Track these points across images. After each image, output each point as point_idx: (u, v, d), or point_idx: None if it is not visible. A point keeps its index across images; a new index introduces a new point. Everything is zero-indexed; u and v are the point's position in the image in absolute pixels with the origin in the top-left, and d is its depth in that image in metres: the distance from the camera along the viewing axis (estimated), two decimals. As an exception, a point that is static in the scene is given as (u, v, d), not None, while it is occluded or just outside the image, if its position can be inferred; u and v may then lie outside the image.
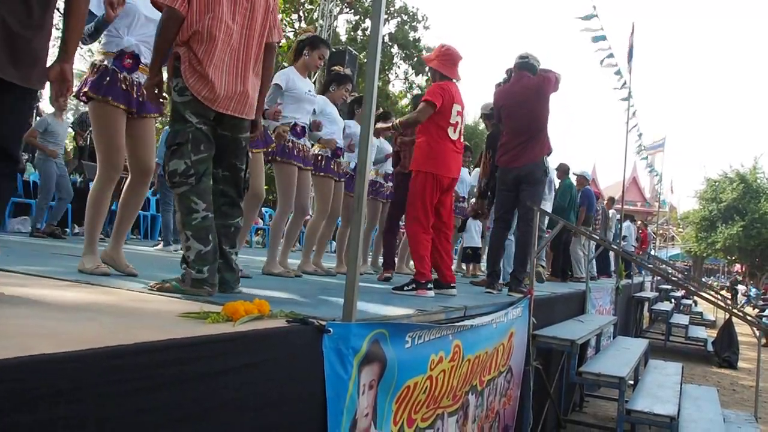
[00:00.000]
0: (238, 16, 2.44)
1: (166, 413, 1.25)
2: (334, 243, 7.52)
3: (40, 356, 1.05)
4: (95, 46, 2.98)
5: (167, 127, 6.42)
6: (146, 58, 2.94)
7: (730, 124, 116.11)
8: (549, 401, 4.71)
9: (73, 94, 2.70)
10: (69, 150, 7.73)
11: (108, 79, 2.80)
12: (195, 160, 2.34)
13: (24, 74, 1.81)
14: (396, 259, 6.01)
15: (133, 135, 2.93)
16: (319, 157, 4.42)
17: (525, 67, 4.62)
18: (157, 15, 2.96)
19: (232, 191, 2.56)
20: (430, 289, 3.51)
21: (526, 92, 4.52)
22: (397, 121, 3.97)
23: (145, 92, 2.89)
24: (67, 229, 7.20)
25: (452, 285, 3.74)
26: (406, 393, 2.20)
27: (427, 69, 4.10)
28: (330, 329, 1.77)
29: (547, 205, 6.88)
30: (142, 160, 2.94)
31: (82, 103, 3.00)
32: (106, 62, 2.84)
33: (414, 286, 3.51)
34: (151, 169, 3.02)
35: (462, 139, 3.89)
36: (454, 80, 3.85)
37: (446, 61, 3.81)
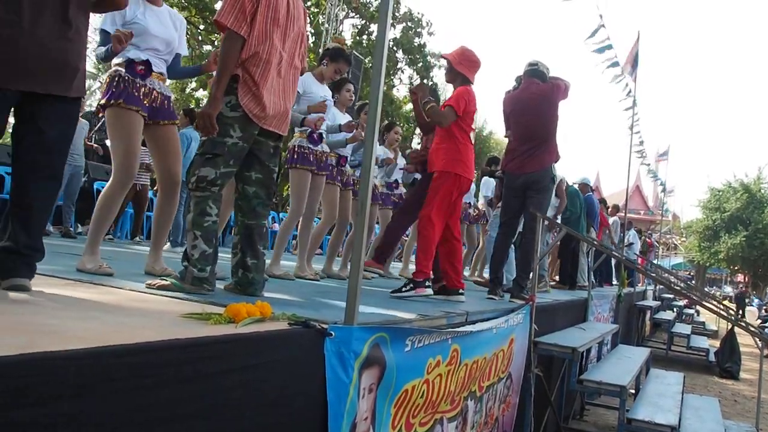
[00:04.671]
0: (285, 42, 2.65)
1: (167, 413, 1.25)
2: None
3: (43, 354, 1.05)
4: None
5: (184, 130, 6.39)
6: (158, 67, 3.01)
7: (734, 133, 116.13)
8: (549, 409, 4.69)
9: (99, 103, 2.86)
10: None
11: (122, 85, 2.86)
12: (223, 172, 2.52)
13: (65, 85, 2.01)
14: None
15: (156, 144, 2.99)
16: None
17: (534, 74, 4.62)
18: (167, 34, 3.01)
19: (264, 193, 2.71)
20: (428, 287, 3.51)
21: (535, 99, 4.52)
22: (429, 107, 3.80)
23: (160, 102, 2.97)
24: (71, 229, 7.21)
25: (461, 291, 3.72)
26: (404, 397, 2.20)
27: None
28: (332, 332, 1.77)
29: (551, 210, 6.88)
30: (169, 170, 2.99)
31: (87, 104, 3.04)
32: (119, 71, 2.90)
33: (411, 285, 3.50)
34: (179, 179, 3.06)
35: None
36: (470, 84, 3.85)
37: (470, 66, 3.82)
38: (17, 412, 0.97)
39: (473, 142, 3.84)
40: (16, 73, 1.89)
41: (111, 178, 2.87)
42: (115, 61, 2.95)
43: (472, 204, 7.11)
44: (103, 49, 2.88)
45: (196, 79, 20.29)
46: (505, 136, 5.76)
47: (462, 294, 3.72)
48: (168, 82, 3.17)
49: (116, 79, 2.87)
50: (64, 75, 2.00)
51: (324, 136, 4.18)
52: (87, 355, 1.11)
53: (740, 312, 20.62)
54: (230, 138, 2.50)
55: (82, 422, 1.07)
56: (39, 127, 1.96)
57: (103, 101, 2.86)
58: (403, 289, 3.52)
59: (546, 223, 4.96)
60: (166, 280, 2.43)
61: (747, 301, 24.69)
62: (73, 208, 6.60)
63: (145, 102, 2.90)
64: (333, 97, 4.57)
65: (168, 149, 3.01)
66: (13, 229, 1.95)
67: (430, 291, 3.49)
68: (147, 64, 2.93)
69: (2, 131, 2.00)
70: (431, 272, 3.63)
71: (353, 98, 4.65)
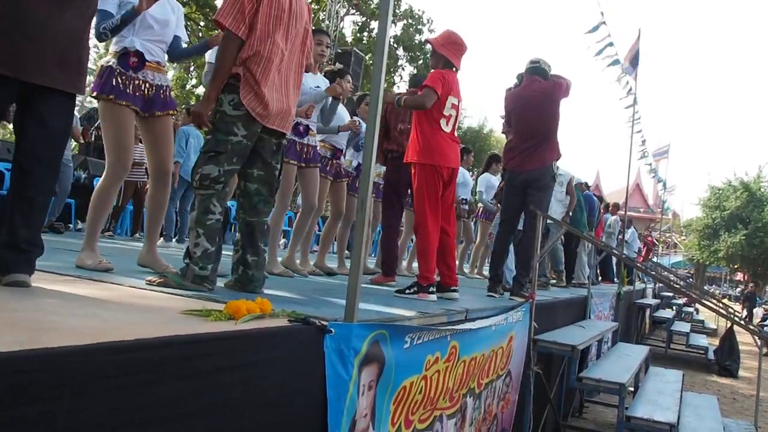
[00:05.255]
0: (288, 40, 2.65)
1: (167, 410, 1.25)
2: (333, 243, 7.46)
3: (43, 350, 1.05)
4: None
5: (184, 127, 6.38)
6: (153, 56, 2.98)
7: (735, 132, 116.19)
8: (548, 406, 4.70)
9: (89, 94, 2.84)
10: (75, 145, 7.76)
11: (113, 79, 2.84)
12: (227, 170, 2.52)
13: (73, 82, 2.03)
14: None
15: (149, 134, 2.98)
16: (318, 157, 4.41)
17: (536, 71, 4.61)
18: (164, 16, 2.99)
19: (266, 190, 2.72)
20: (432, 292, 3.49)
21: (536, 97, 4.52)
22: (403, 98, 3.75)
23: (154, 93, 2.95)
24: (71, 225, 7.21)
25: (454, 288, 3.69)
26: (402, 393, 2.20)
27: (428, 48, 3.96)
28: (332, 329, 1.77)
29: (559, 207, 6.94)
30: (160, 160, 2.99)
31: (88, 100, 3.04)
32: (111, 63, 2.89)
33: (416, 289, 3.49)
34: (170, 169, 3.07)
35: (456, 133, 3.80)
36: (455, 69, 3.76)
37: (454, 49, 3.74)
38: (17, 409, 0.97)
39: (447, 129, 3.68)
40: (28, 63, 1.90)
41: (104, 172, 2.87)
42: (111, 48, 2.93)
43: (467, 200, 7.10)
44: (113, 21, 2.79)
45: (196, 76, 20.30)
46: (503, 132, 5.76)
47: (455, 291, 3.68)
48: (170, 75, 3.16)
49: (108, 71, 2.85)
50: (73, 71, 2.03)
51: (311, 127, 4.16)
52: (87, 351, 1.11)
53: (750, 312, 20.39)
54: (234, 136, 2.50)
55: (82, 421, 1.07)
56: (43, 120, 1.97)
57: (94, 93, 2.84)
58: (407, 291, 3.51)
59: (548, 221, 4.96)
60: (167, 277, 2.43)
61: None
62: (63, 203, 6.58)
63: (137, 95, 2.89)
64: None
65: (161, 140, 3.00)
66: (12, 225, 1.95)
67: (434, 297, 3.46)
68: (140, 55, 2.91)
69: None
70: (433, 275, 3.60)
71: (353, 90, 4.62)
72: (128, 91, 2.86)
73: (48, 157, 2.00)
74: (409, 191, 4.50)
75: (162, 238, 6.69)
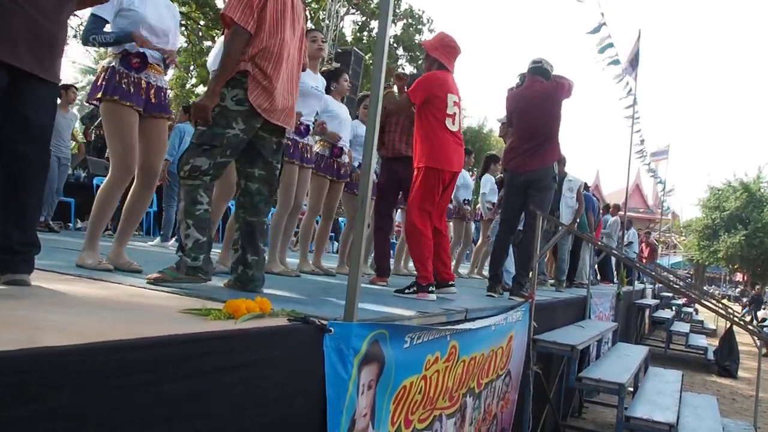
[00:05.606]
0: (293, 37, 2.67)
1: (167, 409, 1.25)
2: (335, 243, 7.46)
3: (43, 348, 1.05)
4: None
5: (179, 124, 6.36)
6: (155, 57, 2.98)
7: (734, 132, 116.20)
8: (548, 406, 4.70)
9: (87, 99, 2.81)
10: (74, 144, 7.72)
11: (116, 79, 2.83)
12: (218, 162, 2.51)
13: (49, 68, 1.99)
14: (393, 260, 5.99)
15: (143, 136, 2.96)
16: (317, 156, 4.43)
17: (538, 71, 4.61)
18: (164, 23, 2.99)
19: (266, 189, 2.71)
20: (431, 292, 3.49)
21: (539, 97, 4.52)
22: (385, 92, 3.76)
23: (155, 95, 2.94)
24: (71, 224, 7.21)
25: (451, 283, 3.70)
26: (402, 393, 2.20)
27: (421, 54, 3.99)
28: (331, 329, 1.77)
29: (570, 213, 6.97)
30: (151, 163, 2.98)
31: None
32: (113, 63, 2.88)
33: (415, 288, 3.49)
34: (158, 173, 3.06)
35: (461, 132, 3.83)
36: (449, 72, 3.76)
37: (447, 52, 3.75)
38: (17, 409, 0.97)
39: (454, 128, 3.69)
40: (6, 45, 1.85)
41: (109, 174, 2.87)
42: (111, 50, 2.93)
43: (469, 200, 7.10)
44: (107, 37, 2.83)
45: (196, 75, 20.29)
46: (500, 136, 5.75)
47: (453, 286, 3.70)
48: (169, 74, 3.16)
49: (110, 72, 2.84)
50: (50, 57, 1.99)
51: (311, 128, 4.17)
52: (86, 350, 1.11)
53: (755, 315, 20.27)
54: (231, 130, 2.49)
55: (81, 421, 1.07)
56: (24, 113, 1.93)
57: (99, 95, 2.82)
58: (407, 290, 3.52)
59: (547, 224, 4.96)
60: (164, 272, 2.43)
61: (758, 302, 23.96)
62: (56, 201, 6.56)
63: (141, 96, 2.89)
64: (332, 87, 4.56)
65: (155, 143, 2.99)
66: (5, 228, 1.92)
67: (433, 297, 3.46)
68: (142, 56, 2.90)
69: None
70: (431, 275, 3.60)
71: (350, 87, 4.64)
72: (131, 91, 2.85)
73: (35, 155, 1.96)
74: (400, 194, 4.53)
75: (159, 238, 6.68)
